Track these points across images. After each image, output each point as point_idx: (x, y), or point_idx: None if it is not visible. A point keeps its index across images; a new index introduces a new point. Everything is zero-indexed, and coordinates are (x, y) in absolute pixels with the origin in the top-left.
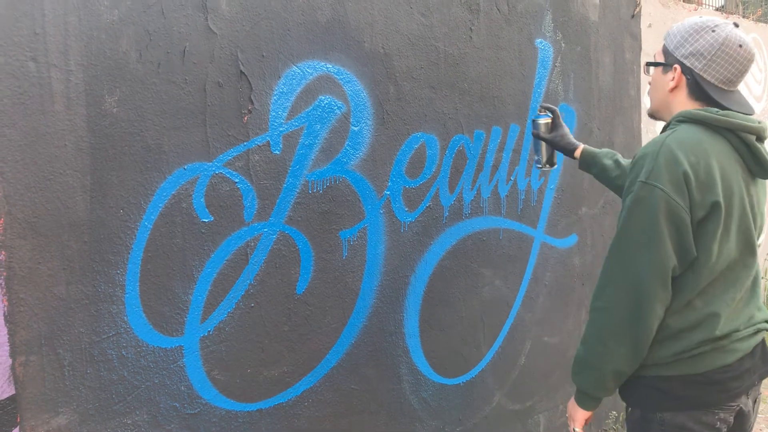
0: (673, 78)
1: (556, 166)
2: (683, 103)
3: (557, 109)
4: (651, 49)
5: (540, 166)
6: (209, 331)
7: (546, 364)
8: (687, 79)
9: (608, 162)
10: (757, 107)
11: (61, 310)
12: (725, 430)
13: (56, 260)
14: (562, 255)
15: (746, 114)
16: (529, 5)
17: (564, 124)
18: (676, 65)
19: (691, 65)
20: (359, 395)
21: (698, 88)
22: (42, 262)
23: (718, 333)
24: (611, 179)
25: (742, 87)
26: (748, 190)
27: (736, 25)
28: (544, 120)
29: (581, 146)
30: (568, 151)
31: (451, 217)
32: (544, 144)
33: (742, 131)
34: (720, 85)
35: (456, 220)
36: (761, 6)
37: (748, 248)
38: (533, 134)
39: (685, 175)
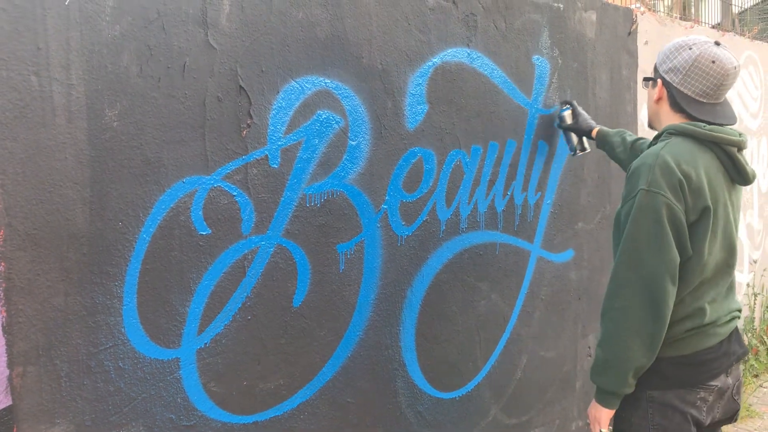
0: (657, 91)
1: (588, 150)
2: (667, 113)
3: (574, 101)
4: (647, 65)
5: (573, 153)
6: (206, 344)
7: (542, 378)
8: (668, 92)
9: (616, 139)
10: (754, 123)
11: (59, 321)
12: (704, 408)
13: (55, 272)
14: (558, 269)
15: (723, 125)
16: (526, 22)
17: (582, 111)
18: (659, 79)
19: (670, 80)
20: (355, 408)
21: (677, 101)
22: (41, 273)
23: (704, 321)
24: (615, 154)
25: (738, 104)
26: (730, 197)
27: (717, 44)
28: (567, 112)
29: (598, 127)
30: (587, 132)
31: (447, 231)
32: (572, 133)
33: (725, 144)
34: (698, 98)
35: (453, 234)
36: (757, 24)
37: (731, 250)
38: (560, 126)
39: (680, 182)
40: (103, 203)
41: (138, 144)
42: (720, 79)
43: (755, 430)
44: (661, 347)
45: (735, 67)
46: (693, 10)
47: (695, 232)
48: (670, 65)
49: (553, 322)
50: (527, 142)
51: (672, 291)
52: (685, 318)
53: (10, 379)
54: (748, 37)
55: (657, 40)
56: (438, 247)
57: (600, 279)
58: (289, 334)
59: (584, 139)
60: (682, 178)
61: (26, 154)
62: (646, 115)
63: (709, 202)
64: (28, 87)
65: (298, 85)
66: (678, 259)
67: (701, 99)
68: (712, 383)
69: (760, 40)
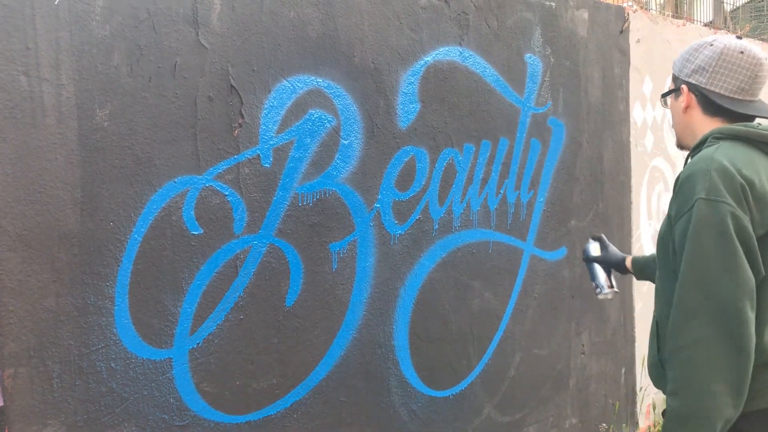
0: (683, 99)
1: (617, 291)
2: (701, 121)
3: (603, 236)
4: (639, 63)
5: (599, 291)
6: (198, 344)
7: (536, 376)
8: (696, 96)
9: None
10: None
11: (51, 322)
12: None
13: (46, 272)
14: (551, 267)
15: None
16: (518, 21)
17: (611, 244)
18: (683, 86)
19: (696, 82)
20: (348, 407)
21: (709, 102)
22: (32, 274)
23: None
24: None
25: None
26: None
27: (739, 38)
28: (594, 245)
29: (630, 256)
30: (620, 263)
31: (440, 229)
32: (598, 269)
33: None
34: (733, 96)
35: (446, 232)
36: (749, 22)
37: None
38: (584, 259)
39: (743, 188)
40: (94, 203)
41: (129, 144)
42: (754, 69)
43: None
44: (750, 401)
45: (766, 58)
46: (685, 8)
47: (764, 248)
48: (693, 67)
49: (547, 320)
50: (520, 140)
51: (753, 318)
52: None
53: (1, 380)
54: (740, 35)
55: (649, 38)
56: (431, 245)
57: None
58: (281, 334)
59: (612, 277)
60: (744, 183)
61: (16, 155)
62: (638, 112)
63: None
64: (17, 87)
65: (289, 85)
66: (754, 280)
67: (736, 96)
68: None
69: (752, 37)
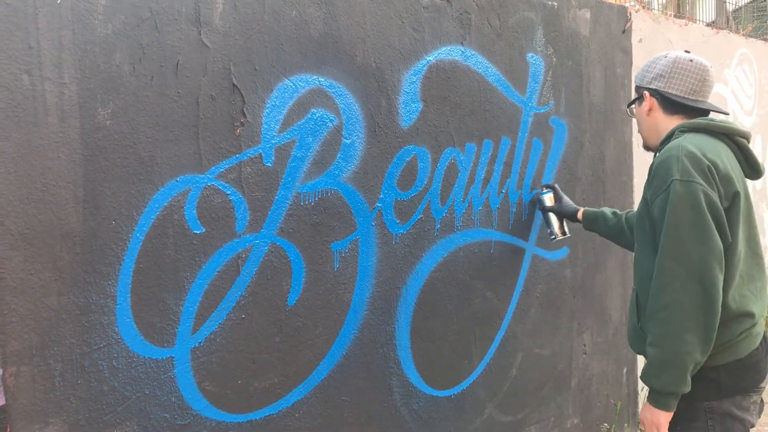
0: (646, 103)
1: (568, 236)
2: (663, 119)
3: (556, 185)
4: (642, 63)
5: (553, 237)
6: (200, 342)
7: (537, 376)
8: (657, 99)
9: (607, 214)
10: (748, 121)
11: (53, 320)
12: (755, 411)
13: (48, 271)
14: (553, 267)
15: (719, 111)
16: (520, 20)
17: (564, 195)
18: (645, 92)
19: (656, 87)
20: (350, 407)
21: (669, 103)
22: (34, 272)
23: (753, 321)
24: (609, 227)
25: (732, 102)
26: (745, 184)
27: (687, 52)
28: (548, 195)
29: (582, 209)
30: (572, 214)
31: (442, 229)
32: (552, 216)
33: (737, 135)
34: (688, 96)
35: (447, 232)
36: (752, 22)
37: (756, 240)
38: (540, 209)
39: (709, 168)
40: (97, 202)
41: (131, 143)
42: (702, 74)
43: None
44: (718, 354)
45: (711, 66)
46: (688, 8)
47: (728, 218)
48: (652, 75)
49: (548, 319)
50: (522, 140)
51: (721, 278)
52: (736, 319)
53: (3, 378)
54: (743, 35)
55: (651, 38)
56: (433, 245)
57: (595, 276)
58: (283, 333)
59: (565, 222)
60: (710, 164)
61: (18, 154)
62: None
63: (738, 188)
64: (20, 86)
65: (291, 84)
66: (722, 247)
67: (690, 97)
68: (762, 384)
69: (755, 37)
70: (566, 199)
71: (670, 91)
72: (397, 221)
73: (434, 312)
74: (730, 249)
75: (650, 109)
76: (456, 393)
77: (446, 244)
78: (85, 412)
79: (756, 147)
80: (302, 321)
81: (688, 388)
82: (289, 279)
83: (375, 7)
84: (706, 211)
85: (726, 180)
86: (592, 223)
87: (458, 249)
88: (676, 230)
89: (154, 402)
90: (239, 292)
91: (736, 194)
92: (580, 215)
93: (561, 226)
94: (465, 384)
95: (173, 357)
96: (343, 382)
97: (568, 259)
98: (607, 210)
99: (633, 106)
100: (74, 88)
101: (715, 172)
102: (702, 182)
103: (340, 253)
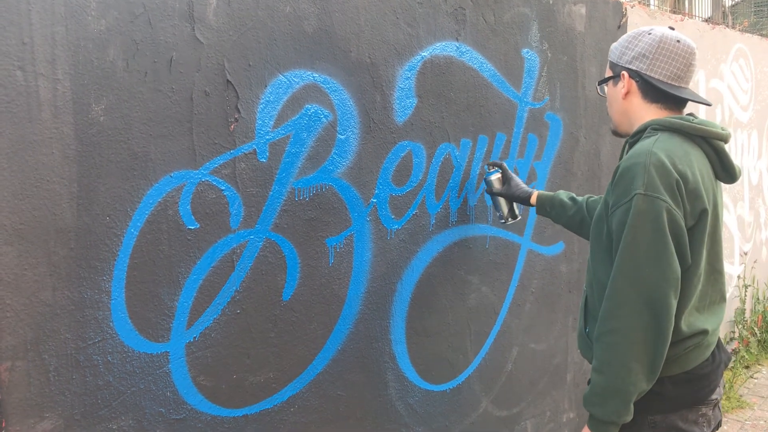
0: (624, 85)
1: (519, 218)
2: (640, 107)
3: (504, 164)
4: None
5: (503, 221)
6: (195, 337)
7: (533, 370)
8: (636, 82)
9: (565, 200)
10: (744, 116)
11: (47, 315)
12: (705, 424)
13: (42, 266)
14: (548, 262)
15: (702, 102)
16: (515, 16)
17: (514, 176)
18: (623, 72)
19: (636, 68)
20: (345, 401)
21: (649, 88)
22: (28, 268)
23: (704, 336)
24: (569, 216)
25: (728, 97)
26: (716, 195)
27: (672, 29)
28: (495, 176)
29: (536, 192)
30: (524, 199)
31: (437, 224)
32: (501, 199)
33: (714, 138)
34: (669, 81)
35: (443, 227)
36: (749, 17)
37: (718, 255)
38: (487, 191)
39: (677, 183)
40: (91, 198)
41: (125, 138)
42: (688, 58)
43: (746, 420)
44: (663, 367)
45: (696, 48)
46: (686, 5)
47: (692, 238)
48: (632, 54)
49: (544, 314)
50: (517, 135)
51: (674, 306)
52: (686, 333)
53: None
54: (739, 30)
55: None
56: (428, 240)
57: None
58: (278, 328)
59: (515, 205)
60: (678, 178)
61: (12, 149)
62: None
63: (707, 204)
64: (13, 82)
65: (285, 79)
66: (680, 272)
67: (673, 82)
68: (712, 397)
69: (751, 32)
70: (516, 179)
71: (652, 74)
72: (392, 216)
73: (429, 307)
74: (689, 270)
75: (627, 93)
76: (451, 387)
77: (441, 240)
78: (81, 406)
79: (752, 142)
80: (297, 316)
81: (630, 417)
82: (284, 274)
83: (369, 2)
84: (667, 231)
85: (694, 195)
86: (548, 210)
87: (453, 244)
88: (632, 251)
89: (149, 396)
90: (234, 288)
91: (704, 212)
92: (533, 199)
93: (511, 209)
94: (460, 378)
95: (168, 352)
96: (339, 377)
97: (564, 254)
98: (564, 195)
99: (606, 84)
100: (68, 84)
101: (683, 186)
102: (667, 199)
103: (335, 249)
